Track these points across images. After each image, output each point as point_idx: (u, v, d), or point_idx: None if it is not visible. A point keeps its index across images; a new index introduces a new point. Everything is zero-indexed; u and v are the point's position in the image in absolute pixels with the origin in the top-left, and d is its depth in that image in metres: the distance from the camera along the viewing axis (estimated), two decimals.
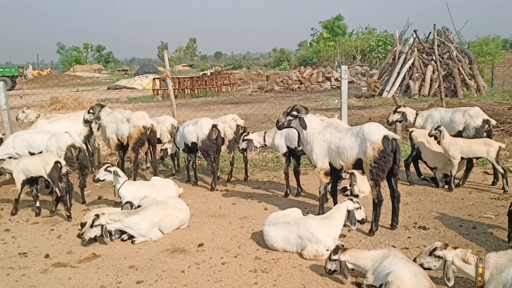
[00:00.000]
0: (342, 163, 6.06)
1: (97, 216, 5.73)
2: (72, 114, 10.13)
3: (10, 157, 8.29)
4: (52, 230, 6.51)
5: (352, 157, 5.92)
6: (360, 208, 5.40)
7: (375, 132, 5.74)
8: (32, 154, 8.13)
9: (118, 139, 8.81)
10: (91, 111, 9.02)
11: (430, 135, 7.63)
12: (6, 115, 10.07)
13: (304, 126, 6.19)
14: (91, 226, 5.69)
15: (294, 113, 6.23)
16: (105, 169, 6.73)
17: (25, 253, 5.70)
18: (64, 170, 6.95)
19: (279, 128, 6.46)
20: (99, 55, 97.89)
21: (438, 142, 7.63)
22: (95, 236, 5.76)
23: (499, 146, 7.29)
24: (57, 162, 6.87)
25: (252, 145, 7.78)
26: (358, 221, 5.37)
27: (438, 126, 7.56)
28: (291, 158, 7.78)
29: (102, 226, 5.68)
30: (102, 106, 9.06)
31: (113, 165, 6.88)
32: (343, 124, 6.46)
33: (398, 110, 8.72)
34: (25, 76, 57.82)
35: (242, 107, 20.92)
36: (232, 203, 7.47)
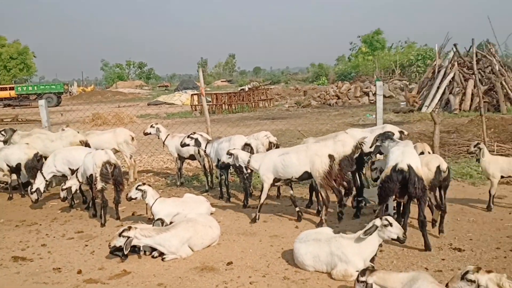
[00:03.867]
0: None
1: (129, 228, 5.85)
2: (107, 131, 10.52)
3: (54, 175, 8.68)
4: (86, 245, 6.67)
5: None
6: (392, 226, 5.10)
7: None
8: (71, 170, 8.41)
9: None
10: (3, 133, 10.06)
11: (468, 152, 7.47)
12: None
13: None
14: (119, 235, 5.81)
15: None
16: (137, 188, 6.87)
17: (59, 268, 5.85)
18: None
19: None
20: (140, 72, 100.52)
21: (478, 160, 7.44)
22: (124, 250, 5.80)
23: None
24: None
25: None
26: (393, 239, 5.17)
27: (478, 143, 7.37)
28: None
29: (128, 238, 5.76)
30: (14, 131, 10.20)
31: (144, 184, 7.02)
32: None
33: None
34: (70, 92, 60.02)
35: (278, 122, 20.95)
36: (263, 221, 7.45)
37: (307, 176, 7.05)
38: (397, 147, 6.07)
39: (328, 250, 5.26)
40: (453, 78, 22.22)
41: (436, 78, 22.94)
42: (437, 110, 21.13)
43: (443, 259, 5.54)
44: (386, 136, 6.72)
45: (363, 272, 4.44)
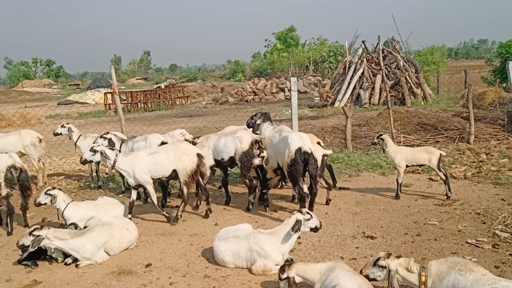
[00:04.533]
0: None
1: (41, 227, 5.53)
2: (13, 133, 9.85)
3: None
4: None
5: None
6: (312, 218, 5.26)
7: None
8: None
9: None
10: None
11: (373, 143, 7.92)
12: None
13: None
14: (30, 234, 5.47)
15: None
16: (46, 193, 6.49)
17: None
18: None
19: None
20: (49, 70, 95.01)
21: (384, 151, 7.88)
22: (30, 247, 5.43)
23: (440, 154, 7.55)
24: None
25: None
26: (311, 229, 5.27)
27: (380, 135, 7.82)
28: (215, 169, 8.12)
29: (37, 237, 5.43)
30: None
31: (54, 188, 6.64)
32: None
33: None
34: None
35: (196, 120, 20.79)
36: (182, 220, 7.35)
37: (175, 174, 7.17)
38: (295, 133, 6.88)
39: (247, 246, 5.29)
40: (362, 73, 23.29)
41: (347, 73, 23.92)
42: (348, 104, 22.05)
43: (357, 247, 5.79)
44: (267, 117, 7.56)
45: (282, 269, 4.46)
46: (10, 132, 10.52)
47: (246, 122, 7.93)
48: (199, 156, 7.16)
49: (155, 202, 7.22)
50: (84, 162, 7.27)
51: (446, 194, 7.58)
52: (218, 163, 7.77)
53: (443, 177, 7.55)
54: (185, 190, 7.14)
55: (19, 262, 5.76)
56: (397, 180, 7.75)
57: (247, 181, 7.57)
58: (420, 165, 7.92)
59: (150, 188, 7.15)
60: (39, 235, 5.43)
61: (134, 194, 7.35)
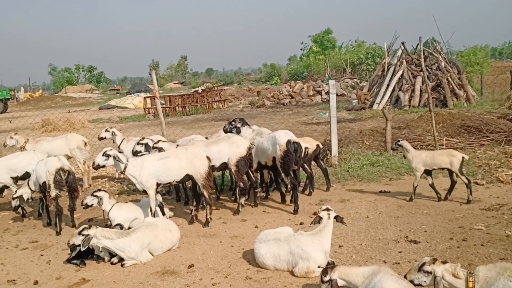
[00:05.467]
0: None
1: (90, 226, 5.74)
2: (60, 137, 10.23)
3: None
4: (42, 255, 6.44)
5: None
6: None
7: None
8: (15, 178, 8.12)
9: None
10: None
11: (392, 149, 7.99)
12: None
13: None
14: (79, 233, 5.68)
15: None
16: (92, 194, 6.71)
17: (14, 280, 5.63)
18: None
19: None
20: (90, 75, 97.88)
21: (404, 156, 7.99)
22: (81, 246, 5.64)
23: (463, 157, 7.39)
24: None
25: None
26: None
27: (398, 141, 7.82)
28: None
29: (87, 236, 5.63)
30: None
31: (100, 190, 6.85)
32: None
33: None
34: (17, 98, 57.62)
35: None
36: (222, 222, 7.44)
37: (187, 178, 7.26)
38: (280, 131, 7.71)
39: (288, 249, 5.31)
40: (402, 75, 22.85)
41: (386, 75, 23.53)
42: (387, 107, 21.67)
43: (400, 252, 5.71)
44: (245, 122, 8.31)
45: (325, 272, 4.45)
46: (57, 136, 10.92)
47: (224, 128, 8.38)
48: (209, 159, 7.32)
49: (153, 209, 7.06)
50: (97, 167, 7.10)
51: (468, 198, 7.46)
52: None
53: (466, 181, 7.41)
54: (205, 193, 7.23)
55: (68, 261, 5.97)
56: (413, 184, 7.76)
57: (241, 184, 7.71)
58: (442, 169, 7.79)
59: (152, 194, 7.03)
60: (88, 234, 5.63)
61: (159, 196, 7.42)
